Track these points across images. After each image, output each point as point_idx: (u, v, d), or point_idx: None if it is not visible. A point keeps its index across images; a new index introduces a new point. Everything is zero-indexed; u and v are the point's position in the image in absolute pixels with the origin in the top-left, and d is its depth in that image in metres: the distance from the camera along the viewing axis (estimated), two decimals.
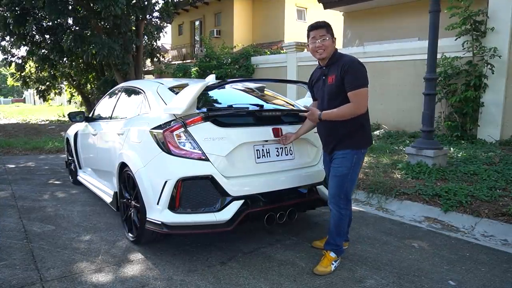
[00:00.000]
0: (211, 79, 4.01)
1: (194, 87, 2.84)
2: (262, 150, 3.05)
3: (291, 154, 3.22)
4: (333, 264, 2.79)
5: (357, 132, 2.69)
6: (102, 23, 12.07)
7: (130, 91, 4.05)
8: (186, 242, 3.27)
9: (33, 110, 26.00)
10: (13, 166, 6.72)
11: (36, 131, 11.68)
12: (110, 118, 4.18)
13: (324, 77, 2.75)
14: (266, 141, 3.06)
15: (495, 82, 6.45)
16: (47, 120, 16.05)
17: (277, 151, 3.14)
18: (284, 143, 3.09)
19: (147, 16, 13.09)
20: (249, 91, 3.94)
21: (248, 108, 3.22)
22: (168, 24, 15.91)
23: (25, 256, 2.98)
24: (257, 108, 3.29)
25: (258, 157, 3.01)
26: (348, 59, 2.63)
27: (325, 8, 11.73)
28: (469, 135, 6.76)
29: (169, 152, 2.78)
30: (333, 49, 2.70)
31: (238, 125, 2.97)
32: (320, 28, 2.68)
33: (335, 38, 2.72)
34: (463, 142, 6.52)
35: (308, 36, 2.76)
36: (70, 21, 12.65)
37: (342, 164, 2.69)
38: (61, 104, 31.79)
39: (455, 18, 6.71)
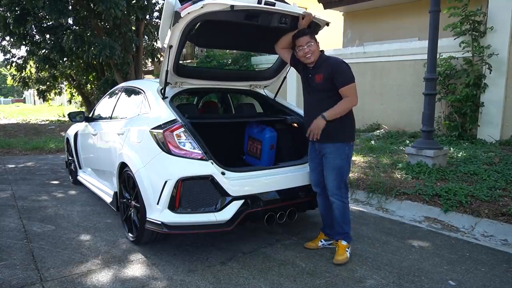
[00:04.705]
0: None
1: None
2: None
3: None
4: (347, 251, 2.94)
5: (346, 126, 2.92)
6: (102, 23, 12.07)
7: (130, 91, 4.05)
8: (186, 242, 3.27)
9: (33, 110, 25.97)
10: (13, 166, 6.72)
11: (36, 131, 11.67)
12: (110, 118, 4.18)
13: (310, 75, 2.94)
14: None
15: (495, 82, 6.43)
16: (47, 120, 16.04)
17: None
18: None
19: (147, 16, 13.09)
20: None
21: None
22: None
23: (25, 256, 2.98)
24: None
25: None
26: (334, 61, 2.88)
27: (325, 8, 11.71)
28: (469, 135, 6.75)
29: (169, 152, 2.78)
30: (318, 52, 2.91)
31: None
32: (305, 35, 2.87)
33: (318, 42, 2.92)
34: (463, 142, 6.52)
35: (294, 45, 2.93)
36: (70, 21, 12.64)
37: (337, 157, 2.88)
38: (61, 104, 31.77)
39: (455, 18, 6.71)
